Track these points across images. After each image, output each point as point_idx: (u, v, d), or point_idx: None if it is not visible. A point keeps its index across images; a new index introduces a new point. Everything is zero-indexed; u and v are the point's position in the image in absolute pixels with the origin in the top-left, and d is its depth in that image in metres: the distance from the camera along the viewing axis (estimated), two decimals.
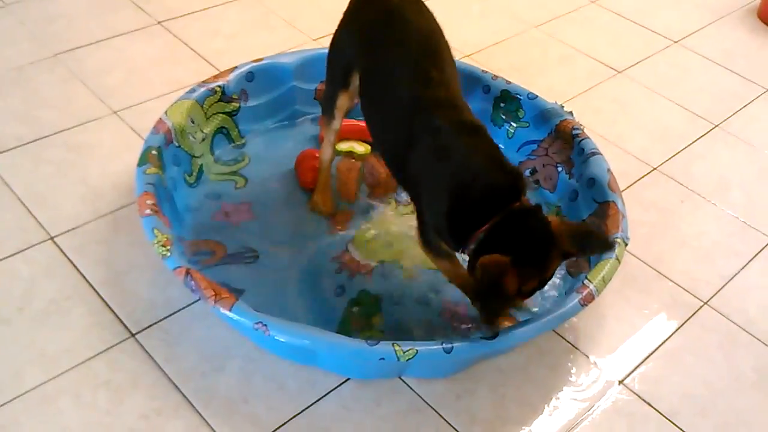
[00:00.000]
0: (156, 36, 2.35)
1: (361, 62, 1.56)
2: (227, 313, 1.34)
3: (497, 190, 1.32)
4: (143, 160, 1.62)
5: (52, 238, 1.67)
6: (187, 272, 1.39)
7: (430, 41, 1.50)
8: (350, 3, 1.65)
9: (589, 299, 1.46)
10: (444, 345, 1.33)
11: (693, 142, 2.20)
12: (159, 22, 2.41)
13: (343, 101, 1.64)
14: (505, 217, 1.29)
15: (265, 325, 1.32)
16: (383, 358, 1.31)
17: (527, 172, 1.93)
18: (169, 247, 1.43)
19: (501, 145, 1.73)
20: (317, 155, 1.84)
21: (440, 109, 1.40)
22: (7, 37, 2.27)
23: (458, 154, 1.36)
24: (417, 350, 1.31)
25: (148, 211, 1.50)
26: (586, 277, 1.49)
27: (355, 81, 1.59)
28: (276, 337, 1.32)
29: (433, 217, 1.40)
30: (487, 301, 1.30)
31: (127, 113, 2.04)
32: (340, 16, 1.68)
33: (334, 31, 1.68)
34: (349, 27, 1.61)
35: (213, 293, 1.36)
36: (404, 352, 1.31)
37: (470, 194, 1.33)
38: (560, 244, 1.29)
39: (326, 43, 2.33)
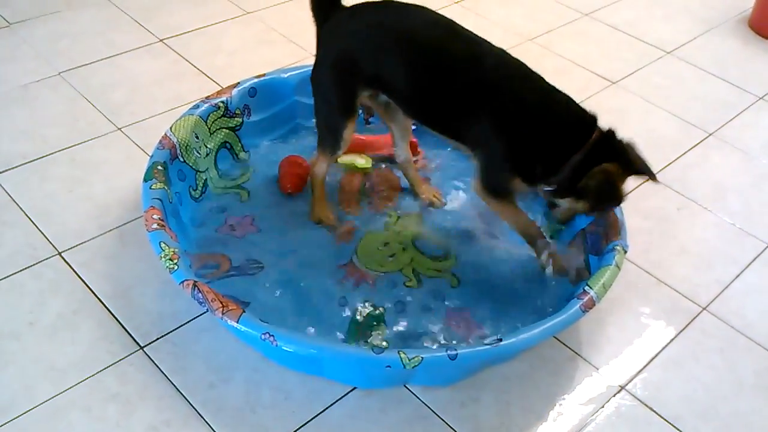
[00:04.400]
0: (159, 53, 2.38)
1: (384, 70, 1.59)
2: (235, 324, 1.37)
3: (582, 121, 1.55)
4: (149, 176, 1.65)
5: (59, 254, 1.69)
6: (195, 285, 1.42)
7: (444, 19, 1.62)
8: (333, 39, 1.64)
9: (590, 305, 1.48)
10: (449, 352, 1.35)
11: (688, 151, 2.23)
12: (161, 40, 2.45)
13: (350, 130, 1.67)
14: (598, 140, 1.52)
15: (272, 335, 1.34)
16: (389, 366, 1.34)
17: None
18: (176, 261, 1.46)
19: None
20: (299, 161, 1.88)
21: (505, 64, 1.57)
22: (12, 56, 2.30)
23: (537, 94, 1.55)
24: (422, 357, 1.34)
25: (154, 226, 1.52)
26: (587, 284, 1.52)
27: (359, 102, 1.65)
28: (283, 347, 1.35)
29: (511, 157, 1.56)
30: (604, 203, 1.59)
31: (132, 129, 2.07)
32: None
33: (315, 71, 1.67)
34: (345, 54, 1.61)
35: (220, 305, 1.38)
36: (410, 360, 1.33)
37: (559, 126, 1.54)
38: (633, 163, 1.53)
39: None
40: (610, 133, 1.54)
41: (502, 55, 1.59)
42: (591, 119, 1.55)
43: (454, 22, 1.61)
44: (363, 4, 1.65)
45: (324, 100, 1.68)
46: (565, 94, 1.58)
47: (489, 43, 1.60)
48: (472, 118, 1.55)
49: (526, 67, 1.58)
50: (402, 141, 1.84)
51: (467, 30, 1.60)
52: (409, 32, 1.56)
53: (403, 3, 1.63)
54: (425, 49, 1.55)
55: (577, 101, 1.58)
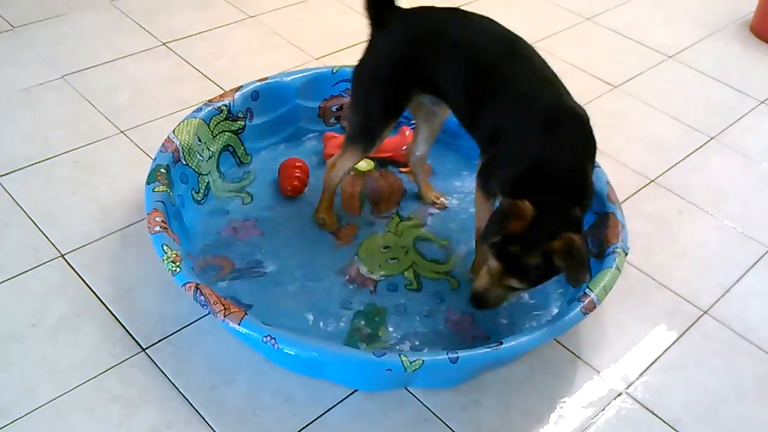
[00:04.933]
0: (161, 57, 2.39)
1: (441, 78, 1.59)
2: (237, 327, 1.37)
3: (565, 191, 1.43)
4: (152, 178, 1.65)
5: (62, 256, 1.70)
6: (197, 287, 1.42)
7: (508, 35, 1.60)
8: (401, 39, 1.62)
9: (590, 307, 1.48)
10: (450, 355, 1.36)
11: (689, 155, 2.23)
12: (164, 43, 2.46)
13: (387, 131, 1.67)
14: (554, 203, 1.41)
15: (274, 338, 1.35)
16: (390, 369, 1.34)
17: None
18: (178, 263, 1.46)
19: None
20: (298, 164, 1.88)
21: (547, 87, 1.52)
22: (16, 59, 2.31)
23: (555, 137, 1.47)
24: (423, 360, 1.34)
25: (157, 228, 1.53)
26: (587, 286, 1.52)
27: (408, 104, 1.65)
28: (285, 350, 1.35)
29: (504, 171, 1.51)
30: (487, 233, 1.42)
31: (134, 132, 2.07)
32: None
33: (363, 69, 1.65)
34: (406, 59, 1.60)
35: (222, 308, 1.39)
36: (411, 363, 1.33)
37: (544, 178, 1.43)
38: (561, 252, 1.36)
39: (328, 62, 2.40)
40: (566, 211, 1.42)
41: (547, 86, 1.52)
42: (571, 195, 1.43)
43: (515, 39, 1.58)
44: (428, 9, 1.64)
45: (368, 99, 1.65)
46: (584, 158, 1.50)
47: (543, 68, 1.55)
48: (497, 130, 1.54)
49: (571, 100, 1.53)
50: (426, 142, 1.84)
51: (527, 48, 1.57)
52: (471, 46, 1.56)
53: (468, 13, 1.62)
54: (482, 65, 1.54)
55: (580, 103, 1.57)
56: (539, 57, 1.57)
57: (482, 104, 1.55)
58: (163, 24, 2.54)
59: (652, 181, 2.11)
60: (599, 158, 1.93)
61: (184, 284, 1.44)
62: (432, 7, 1.64)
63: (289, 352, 1.36)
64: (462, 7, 1.68)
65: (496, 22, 1.60)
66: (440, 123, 1.81)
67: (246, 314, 1.38)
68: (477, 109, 1.56)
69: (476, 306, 1.52)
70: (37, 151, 1.98)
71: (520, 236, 1.36)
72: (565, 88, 1.54)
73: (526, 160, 1.47)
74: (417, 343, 1.57)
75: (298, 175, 1.88)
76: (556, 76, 1.56)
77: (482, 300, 1.49)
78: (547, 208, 1.38)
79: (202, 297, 1.41)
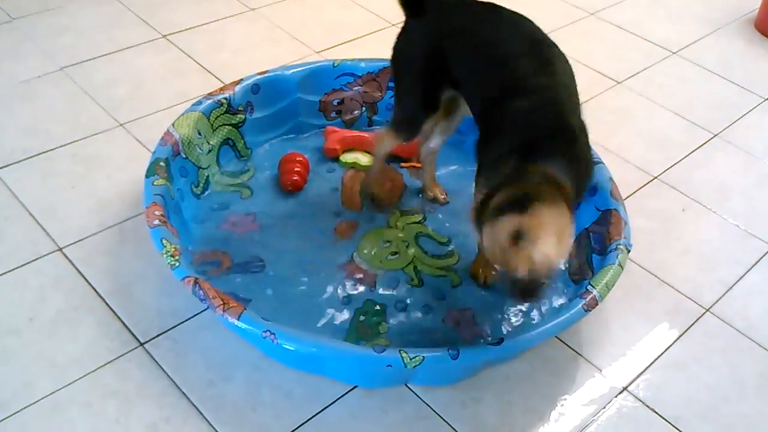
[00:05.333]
0: (162, 49, 2.38)
1: (463, 75, 1.55)
2: (236, 322, 1.36)
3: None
4: (151, 172, 1.64)
5: (60, 249, 1.69)
6: (196, 282, 1.41)
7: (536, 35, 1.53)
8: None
9: (592, 304, 1.47)
10: (450, 351, 1.35)
11: (693, 151, 2.22)
12: (164, 36, 2.44)
13: (431, 122, 1.66)
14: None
15: (273, 333, 1.34)
16: (390, 365, 1.33)
17: None
18: (177, 257, 1.45)
19: None
20: (299, 158, 1.88)
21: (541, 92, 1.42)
22: (15, 52, 2.30)
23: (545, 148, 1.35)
24: (424, 357, 1.33)
25: (156, 222, 1.52)
26: (589, 283, 1.51)
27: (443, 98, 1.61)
28: (284, 345, 1.34)
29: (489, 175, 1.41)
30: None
31: (134, 126, 2.06)
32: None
33: (399, 59, 1.63)
34: (438, 54, 1.56)
35: (221, 302, 1.38)
36: (411, 359, 1.32)
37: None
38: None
39: (330, 55, 2.39)
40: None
41: (559, 95, 1.44)
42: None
43: (543, 42, 1.51)
44: (462, 2, 1.60)
45: (406, 92, 1.64)
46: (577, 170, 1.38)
47: (564, 76, 1.48)
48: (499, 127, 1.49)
49: (571, 121, 1.42)
50: (442, 135, 1.80)
51: (551, 52, 1.51)
52: (493, 45, 1.51)
53: (502, 9, 1.57)
54: (502, 65, 1.49)
55: (581, 101, 1.54)
56: (563, 62, 1.51)
57: (493, 107, 1.50)
58: (164, 16, 2.53)
59: (655, 177, 2.10)
60: (602, 154, 1.94)
61: (183, 278, 1.43)
62: (467, 1, 1.60)
63: (289, 348, 1.35)
64: None
65: (529, 22, 1.55)
66: (460, 117, 1.77)
67: (245, 309, 1.37)
68: (487, 112, 1.53)
69: (524, 297, 1.33)
70: (35, 144, 1.97)
71: None
72: (575, 97, 1.48)
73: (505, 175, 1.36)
74: (417, 339, 1.56)
75: (298, 169, 1.87)
76: (573, 83, 1.49)
77: (528, 287, 1.28)
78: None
79: (201, 291, 1.40)
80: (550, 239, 1.24)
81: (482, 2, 1.59)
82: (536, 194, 1.25)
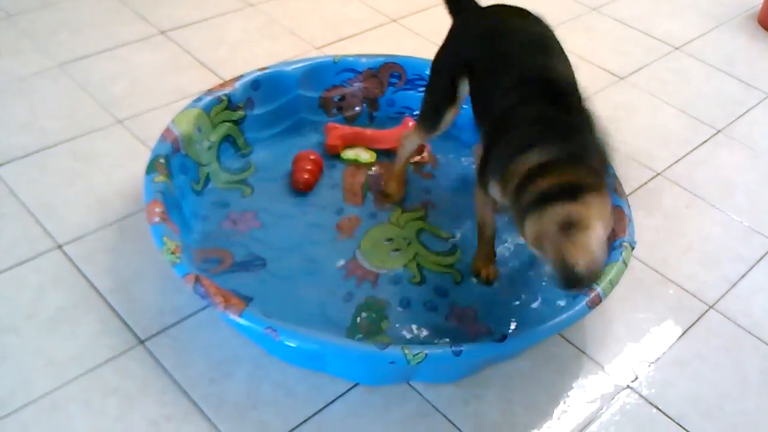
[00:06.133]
0: (160, 46, 2.36)
1: (474, 59, 1.59)
2: (237, 319, 1.35)
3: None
4: (151, 169, 1.63)
5: (59, 247, 1.68)
6: (197, 279, 1.40)
7: (542, 37, 1.58)
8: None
9: (596, 301, 1.46)
10: (453, 348, 1.34)
11: (696, 148, 2.21)
12: (163, 32, 2.43)
13: (451, 114, 1.68)
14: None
15: (275, 330, 1.33)
16: (393, 362, 1.32)
17: None
18: (178, 255, 1.44)
19: None
20: (312, 157, 1.87)
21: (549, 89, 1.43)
22: (12, 48, 2.28)
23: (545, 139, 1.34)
24: (426, 353, 1.32)
25: (157, 219, 1.51)
26: None
27: (462, 90, 1.64)
28: (286, 342, 1.33)
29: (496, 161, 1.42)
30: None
31: (132, 122, 2.05)
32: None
33: (438, 52, 1.70)
34: (462, 53, 1.63)
35: (223, 300, 1.37)
36: (414, 356, 1.31)
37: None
38: None
39: (329, 51, 2.38)
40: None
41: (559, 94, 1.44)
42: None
43: (548, 38, 1.55)
44: (495, 8, 1.67)
45: (432, 83, 1.71)
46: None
47: (566, 76, 1.50)
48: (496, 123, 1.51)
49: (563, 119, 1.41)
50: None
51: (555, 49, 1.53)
52: (504, 51, 1.54)
53: (525, 16, 1.61)
54: (502, 62, 1.52)
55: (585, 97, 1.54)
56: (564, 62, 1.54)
57: (492, 100, 1.52)
58: (162, 13, 2.51)
59: (658, 174, 2.09)
60: None
61: (184, 276, 1.41)
62: (500, 6, 1.66)
63: (291, 345, 1.33)
64: None
65: (540, 24, 1.60)
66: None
67: (247, 306, 1.36)
68: (486, 107, 1.54)
69: (572, 286, 1.26)
70: (33, 140, 1.95)
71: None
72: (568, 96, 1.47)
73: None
74: (419, 336, 1.55)
75: (309, 168, 1.85)
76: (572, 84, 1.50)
77: (581, 276, 1.23)
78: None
79: (203, 289, 1.39)
80: (601, 228, 1.24)
81: (514, 8, 1.65)
82: (585, 183, 1.26)
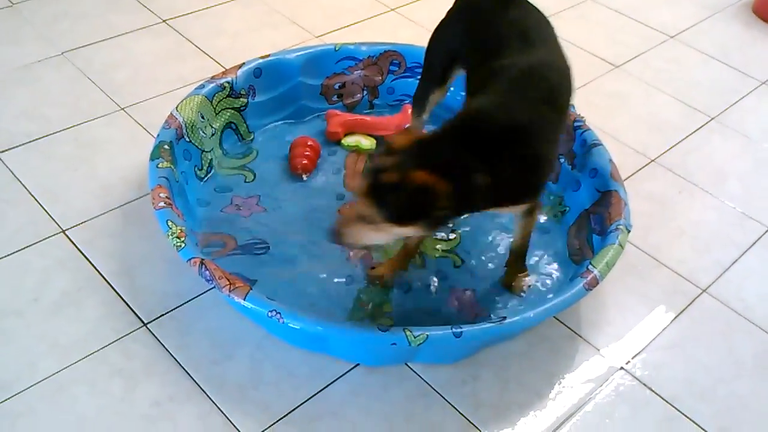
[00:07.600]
0: (161, 34, 2.38)
1: (469, 49, 1.61)
2: (242, 301, 1.37)
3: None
4: (155, 154, 1.65)
5: (63, 231, 1.70)
6: (202, 263, 1.42)
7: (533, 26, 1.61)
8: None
9: (593, 283, 1.49)
10: (454, 329, 1.37)
11: (690, 135, 2.23)
12: (164, 21, 2.44)
13: (436, 96, 1.72)
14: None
15: (279, 312, 1.35)
16: (395, 343, 1.35)
17: None
18: (183, 239, 1.46)
19: None
20: (309, 143, 1.89)
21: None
22: (15, 36, 2.30)
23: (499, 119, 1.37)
24: (428, 335, 1.35)
25: (161, 204, 1.53)
26: (590, 263, 1.52)
27: (453, 75, 1.67)
28: (290, 325, 1.35)
29: None
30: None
31: (135, 109, 2.06)
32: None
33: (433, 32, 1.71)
34: (456, 26, 1.66)
35: (228, 283, 1.39)
36: (415, 337, 1.34)
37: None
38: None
39: (329, 40, 2.39)
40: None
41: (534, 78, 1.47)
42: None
43: (538, 27, 1.59)
44: None
45: (427, 65, 1.74)
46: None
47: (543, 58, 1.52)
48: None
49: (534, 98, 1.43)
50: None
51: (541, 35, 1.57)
52: (492, 37, 1.56)
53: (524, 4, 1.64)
54: (491, 46, 1.54)
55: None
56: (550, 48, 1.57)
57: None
58: (163, 1, 2.52)
59: (652, 160, 2.11)
60: (599, 137, 1.94)
61: (189, 259, 1.44)
62: None
63: (294, 327, 1.36)
64: None
65: (535, 12, 1.63)
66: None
67: (251, 289, 1.39)
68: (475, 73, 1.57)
69: (333, 239, 1.36)
70: (37, 127, 1.97)
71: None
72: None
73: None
74: (419, 319, 1.57)
75: (308, 153, 1.87)
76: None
77: (338, 233, 1.34)
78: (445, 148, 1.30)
79: (207, 272, 1.41)
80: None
81: None
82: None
